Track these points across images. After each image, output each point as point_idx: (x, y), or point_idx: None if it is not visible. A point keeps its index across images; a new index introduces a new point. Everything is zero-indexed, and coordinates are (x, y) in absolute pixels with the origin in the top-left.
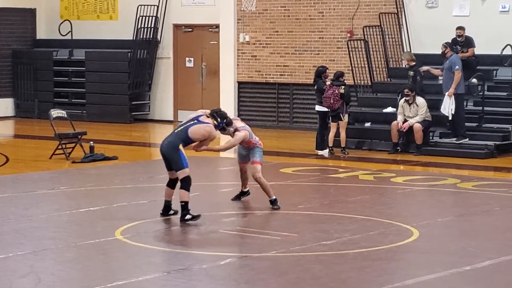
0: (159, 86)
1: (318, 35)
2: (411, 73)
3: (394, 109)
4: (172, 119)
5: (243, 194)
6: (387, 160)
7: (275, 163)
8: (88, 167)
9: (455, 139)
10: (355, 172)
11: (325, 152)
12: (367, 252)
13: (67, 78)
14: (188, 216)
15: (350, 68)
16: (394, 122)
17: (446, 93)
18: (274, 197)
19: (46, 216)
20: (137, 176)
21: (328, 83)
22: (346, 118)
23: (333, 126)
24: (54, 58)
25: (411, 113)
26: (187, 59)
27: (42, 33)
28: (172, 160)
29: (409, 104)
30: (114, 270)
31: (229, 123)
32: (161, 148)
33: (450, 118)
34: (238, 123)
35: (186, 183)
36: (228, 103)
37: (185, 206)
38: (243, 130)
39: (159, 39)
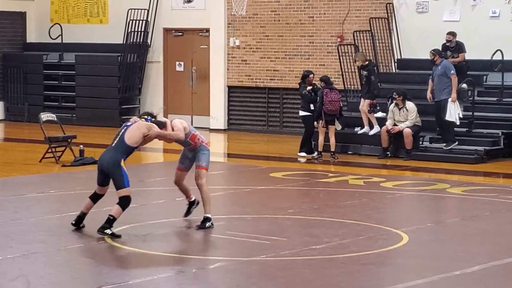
0: (149, 90)
1: (308, 40)
2: (365, 73)
3: (384, 114)
4: None
5: (191, 205)
6: (376, 165)
7: (264, 167)
8: (78, 170)
9: (444, 144)
10: (345, 177)
11: (302, 155)
12: (357, 256)
13: (57, 82)
14: (108, 231)
15: (340, 72)
16: (384, 127)
17: (449, 100)
18: (209, 215)
19: (36, 220)
20: None
21: (308, 88)
22: (338, 124)
23: (324, 131)
24: (44, 61)
25: (401, 118)
26: (177, 63)
27: (32, 36)
28: (113, 178)
29: (399, 109)
30: (104, 273)
31: (161, 124)
32: (101, 162)
33: (458, 123)
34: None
35: (124, 203)
36: (218, 107)
37: (111, 220)
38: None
39: (149, 43)
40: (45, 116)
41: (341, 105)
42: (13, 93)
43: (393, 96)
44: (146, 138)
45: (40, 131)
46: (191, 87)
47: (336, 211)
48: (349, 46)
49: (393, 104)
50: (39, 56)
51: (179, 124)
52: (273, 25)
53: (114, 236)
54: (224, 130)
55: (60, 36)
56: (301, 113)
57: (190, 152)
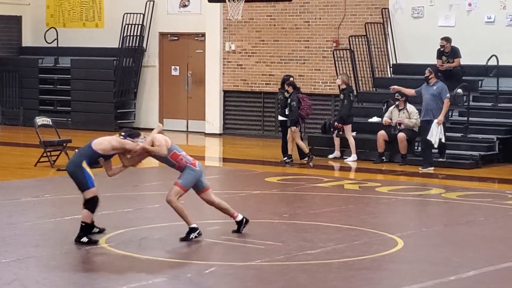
0: (145, 95)
1: (304, 45)
2: (341, 95)
3: (380, 119)
4: None
5: (239, 225)
6: (372, 170)
7: (260, 172)
8: None
9: (421, 166)
10: (340, 182)
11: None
12: (351, 261)
13: (52, 86)
14: (84, 239)
15: (336, 77)
16: (381, 132)
17: (435, 121)
18: (193, 225)
19: (31, 224)
20: (123, 184)
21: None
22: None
23: (298, 135)
24: (39, 65)
25: (400, 119)
26: (172, 67)
27: (27, 40)
28: (77, 180)
29: (399, 110)
30: (98, 278)
31: (133, 134)
32: (66, 168)
33: (436, 146)
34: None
35: (91, 204)
36: (214, 112)
37: (84, 227)
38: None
39: (145, 47)
40: (40, 120)
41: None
42: (9, 97)
43: (396, 97)
44: (134, 155)
45: (35, 135)
46: (186, 91)
47: (331, 216)
48: (344, 51)
49: (393, 106)
50: (34, 60)
51: (162, 139)
52: (268, 30)
53: (91, 243)
54: (220, 134)
55: (56, 40)
56: (280, 118)
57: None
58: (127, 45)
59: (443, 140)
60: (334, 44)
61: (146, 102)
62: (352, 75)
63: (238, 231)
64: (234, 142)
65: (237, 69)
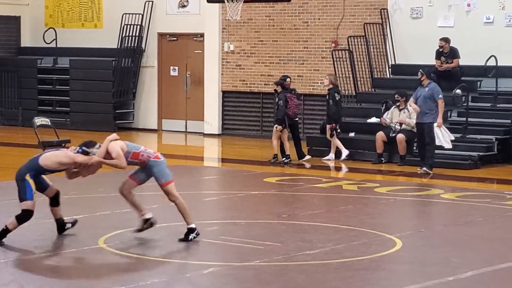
0: (144, 95)
1: (302, 45)
2: (327, 96)
3: (378, 119)
4: (156, 128)
5: (144, 222)
6: (371, 170)
7: (259, 172)
8: None
9: (424, 168)
10: (338, 182)
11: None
12: (350, 262)
13: (51, 86)
14: None
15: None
16: (379, 133)
17: (435, 124)
18: (192, 225)
19: (29, 224)
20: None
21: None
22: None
23: (278, 135)
24: (38, 66)
25: (401, 118)
26: (171, 68)
27: (26, 40)
28: (18, 189)
29: (400, 110)
30: (97, 278)
31: (88, 144)
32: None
33: (446, 147)
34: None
35: (23, 216)
36: (212, 112)
37: (4, 231)
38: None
39: (143, 47)
40: (39, 120)
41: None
42: (7, 98)
43: (396, 98)
44: (86, 167)
45: (34, 135)
46: (185, 92)
47: (329, 216)
48: (343, 51)
49: (393, 107)
50: (33, 60)
51: (118, 148)
52: (267, 30)
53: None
54: (219, 135)
55: (55, 41)
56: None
57: (141, 170)
58: (126, 45)
59: (452, 138)
60: (333, 45)
61: (145, 103)
62: (350, 76)
63: (140, 229)
64: (233, 143)
65: (236, 70)
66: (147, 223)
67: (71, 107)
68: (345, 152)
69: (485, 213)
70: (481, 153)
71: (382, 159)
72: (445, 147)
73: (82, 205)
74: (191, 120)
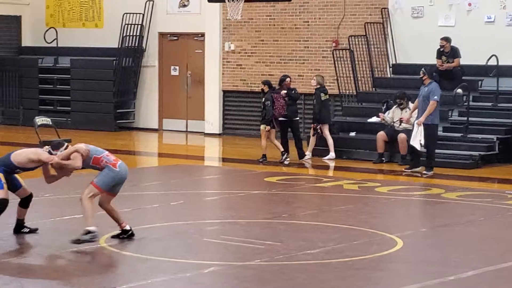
0: (144, 94)
1: (303, 44)
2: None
3: (379, 119)
4: (157, 127)
5: (123, 233)
6: (371, 170)
7: (259, 172)
8: (72, 174)
9: (425, 169)
10: (339, 182)
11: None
12: (351, 261)
13: (52, 86)
14: None
15: (336, 77)
16: (380, 133)
17: (416, 122)
18: (89, 228)
19: (30, 224)
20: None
21: (283, 92)
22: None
23: (267, 135)
24: (39, 65)
25: (402, 116)
26: (172, 67)
27: (27, 40)
28: None
29: (401, 109)
30: (98, 278)
31: (55, 146)
32: None
33: (418, 149)
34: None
35: None
36: (213, 112)
37: None
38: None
39: (144, 47)
40: (40, 120)
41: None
42: (8, 97)
43: (397, 101)
44: (59, 168)
45: (35, 135)
46: (186, 91)
47: (330, 216)
48: (344, 51)
49: (395, 106)
50: (34, 60)
51: (81, 150)
52: (268, 30)
53: None
54: (219, 134)
55: (55, 40)
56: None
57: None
58: (126, 45)
59: (422, 143)
60: (334, 44)
61: (146, 102)
62: (351, 75)
63: (118, 236)
64: (234, 142)
65: (237, 69)
66: (126, 234)
67: (72, 107)
68: (308, 155)
69: (486, 213)
70: (482, 153)
71: (383, 158)
72: (415, 146)
73: None
74: (191, 119)
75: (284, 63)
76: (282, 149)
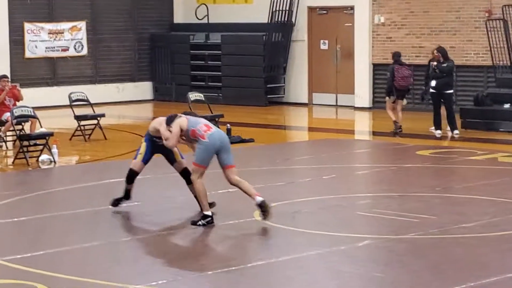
0: (294, 69)
1: (454, 15)
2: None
3: None
4: (306, 101)
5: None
6: None
7: (411, 145)
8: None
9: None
10: (494, 155)
11: (437, 133)
12: (508, 235)
13: (203, 62)
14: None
15: (489, 48)
16: None
17: None
18: (207, 212)
19: (185, 198)
20: (274, 158)
21: (434, 64)
22: (404, 101)
23: (392, 106)
24: (190, 41)
25: None
26: (321, 41)
27: (179, 17)
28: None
29: None
30: (254, 250)
31: (169, 120)
32: None
33: None
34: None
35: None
36: (363, 86)
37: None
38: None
39: (293, 22)
40: (193, 95)
41: (412, 80)
42: (161, 74)
43: None
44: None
45: (187, 110)
46: (335, 65)
47: (485, 189)
48: (497, 21)
49: None
50: (185, 36)
51: (177, 126)
52: (418, 1)
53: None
54: (369, 108)
55: (206, 17)
56: (431, 90)
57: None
58: (276, 20)
59: None
60: (487, 14)
61: (295, 77)
62: (505, 46)
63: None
64: (384, 116)
65: (387, 42)
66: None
67: (223, 82)
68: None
69: None
70: None
71: None
72: None
73: None
74: (341, 93)
75: (435, 35)
76: (394, 119)
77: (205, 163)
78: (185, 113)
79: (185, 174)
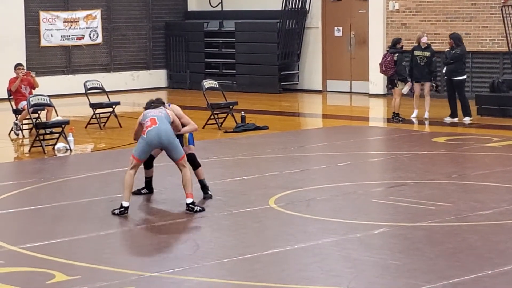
0: (308, 56)
1: (470, 1)
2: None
3: None
4: (320, 88)
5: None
6: None
7: (427, 132)
8: (240, 136)
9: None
10: (510, 141)
11: (445, 118)
12: None
13: (217, 49)
14: None
15: (504, 34)
16: None
17: None
18: (125, 203)
19: (199, 186)
20: (288, 146)
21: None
22: (401, 85)
23: (394, 93)
24: (205, 29)
25: None
26: (335, 28)
27: (193, 5)
28: None
29: None
30: (269, 238)
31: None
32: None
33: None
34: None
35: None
36: (377, 72)
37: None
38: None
39: (307, 8)
40: (207, 83)
41: (386, 68)
42: (176, 61)
43: None
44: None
45: (202, 98)
46: (349, 52)
47: (502, 176)
48: None
49: None
50: (200, 24)
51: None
52: None
53: None
54: (384, 95)
55: (220, 4)
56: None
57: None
58: (290, 7)
59: None
60: (502, 0)
61: (309, 64)
62: None
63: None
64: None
65: (401, 29)
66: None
67: (237, 70)
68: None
69: None
70: None
71: None
72: None
73: (251, 165)
74: (355, 80)
75: (450, 21)
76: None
77: (140, 157)
78: (146, 105)
79: (191, 159)
